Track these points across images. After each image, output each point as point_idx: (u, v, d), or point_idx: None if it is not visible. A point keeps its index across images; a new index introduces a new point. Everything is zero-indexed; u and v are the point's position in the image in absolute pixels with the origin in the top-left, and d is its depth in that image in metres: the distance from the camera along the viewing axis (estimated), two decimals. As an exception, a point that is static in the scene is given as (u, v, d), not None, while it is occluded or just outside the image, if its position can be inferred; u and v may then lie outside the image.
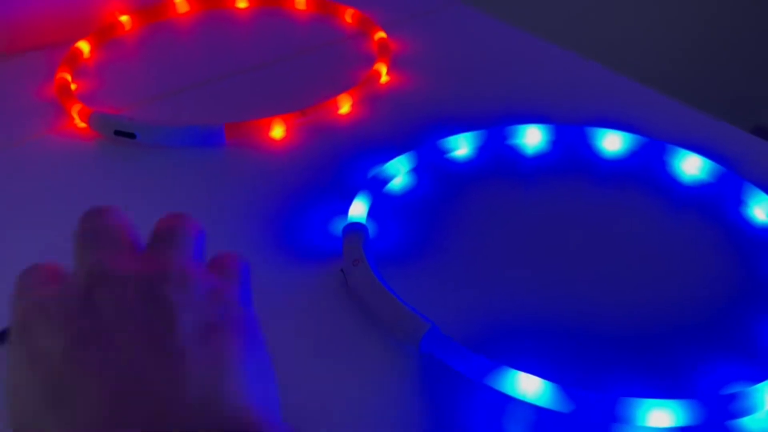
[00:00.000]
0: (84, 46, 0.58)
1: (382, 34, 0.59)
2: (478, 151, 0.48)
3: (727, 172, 0.44)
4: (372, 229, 0.41)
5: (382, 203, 0.43)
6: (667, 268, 0.39)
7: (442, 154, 0.47)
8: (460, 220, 0.42)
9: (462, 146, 0.47)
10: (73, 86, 0.54)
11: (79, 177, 0.45)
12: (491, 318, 0.35)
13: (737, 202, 0.43)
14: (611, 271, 0.39)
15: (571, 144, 0.48)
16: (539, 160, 0.47)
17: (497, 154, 0.48)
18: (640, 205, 0.44)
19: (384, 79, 0.55)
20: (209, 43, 0.61)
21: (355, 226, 0.39)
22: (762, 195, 0.42)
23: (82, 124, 0.49)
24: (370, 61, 0.57)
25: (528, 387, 0.30)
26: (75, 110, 0.50)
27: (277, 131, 0.48)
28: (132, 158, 0.46)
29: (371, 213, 0.41)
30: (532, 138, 0.48)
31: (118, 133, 0.47)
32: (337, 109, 0.50)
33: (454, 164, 0.47)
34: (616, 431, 0.30)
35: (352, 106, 0.51)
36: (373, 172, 0.44)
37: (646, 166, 0.47)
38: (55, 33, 0.59)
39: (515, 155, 0.48)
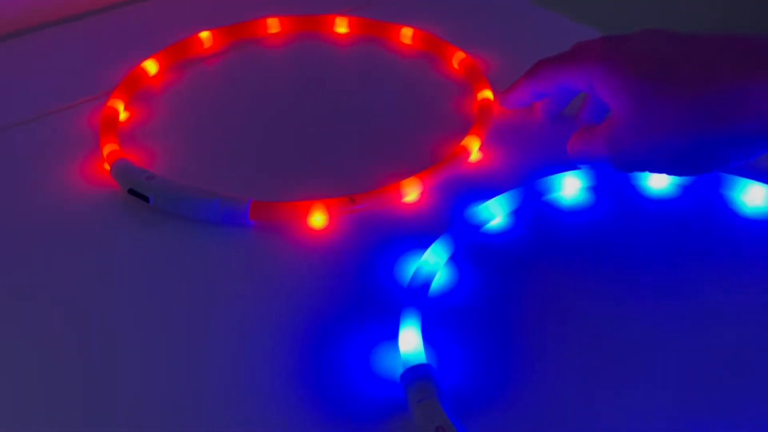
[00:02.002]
0: (151, 66, 0.51)
1: (488, 94, 0.46)
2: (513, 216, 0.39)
3: None
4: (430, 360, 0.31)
5: (429, 313, 0.33)
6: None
7: (476, 228, 0.37)
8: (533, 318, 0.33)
9: (495, 213, 0.38)
10: (123, 115, 0.47)
11: (86, 234, 0.38)
12: None
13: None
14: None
15: (613, 187, 0.40)
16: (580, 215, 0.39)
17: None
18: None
19: (474, 157, 0.43)
20: (293, 78, 0.52)
21: (420, 371, 0.29)
22: None
23: (108, 167, 0.42)
24: (467, 128, 0.45)
25: None
26: (107, 150, 0.42)
27: (317, 219, 0.38)
28: (146, 222, 0.39)
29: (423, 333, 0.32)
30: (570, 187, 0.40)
31: (132, 192, 0.39)
32: (401, 196, 0.39)
33: (491, 238, 0.37)
34: None
35: (422, 193, 0.40)
36: (411, 273, 0.34)
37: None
38: None
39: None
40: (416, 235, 0.37)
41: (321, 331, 0.32)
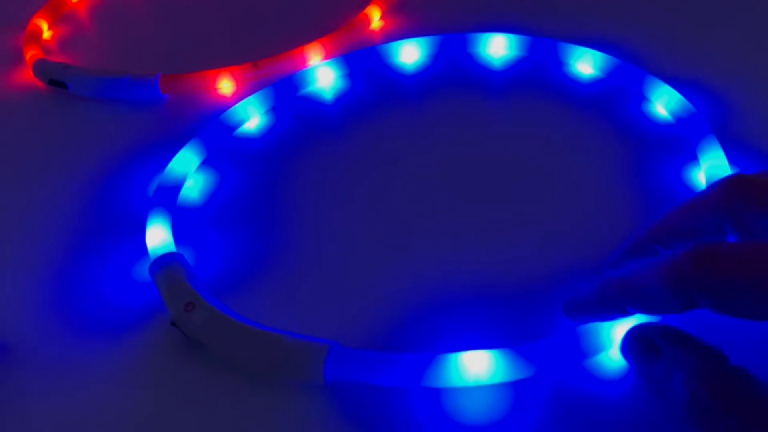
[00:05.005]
0: (73, -10, 0.53)
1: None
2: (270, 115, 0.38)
3: (623, 63, 0.38)
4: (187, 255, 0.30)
5: (180, 216, 0.33)
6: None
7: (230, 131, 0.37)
8: (291, 197, 0.34)
9: (251, 115, 0.38)
10: (47, 33, 0.49)
11: (12, 125, 0.40)
12: (385, 309, 0.28)
13: (639, 98, 0.37)
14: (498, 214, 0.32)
15: (451, 54, 0.41)
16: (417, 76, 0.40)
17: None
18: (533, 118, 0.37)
19: (375, 25, 0.45)
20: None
21: (166, 259, 0.28)
22: (664, 86, 0.36)
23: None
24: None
25: (476, 365, 0.23)
26: (29, 55, 0.45)
27: (225, 85, 0.40)
28: (63, 110, 0.41)
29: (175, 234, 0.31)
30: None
31: (52, 83, 0.41)
32: (304, 60, 0.42)
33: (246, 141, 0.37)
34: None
35: (326, 56, 0.42)
36: (158, 179, 0.34)
37: (538, 70, 0.40)
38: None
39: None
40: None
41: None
